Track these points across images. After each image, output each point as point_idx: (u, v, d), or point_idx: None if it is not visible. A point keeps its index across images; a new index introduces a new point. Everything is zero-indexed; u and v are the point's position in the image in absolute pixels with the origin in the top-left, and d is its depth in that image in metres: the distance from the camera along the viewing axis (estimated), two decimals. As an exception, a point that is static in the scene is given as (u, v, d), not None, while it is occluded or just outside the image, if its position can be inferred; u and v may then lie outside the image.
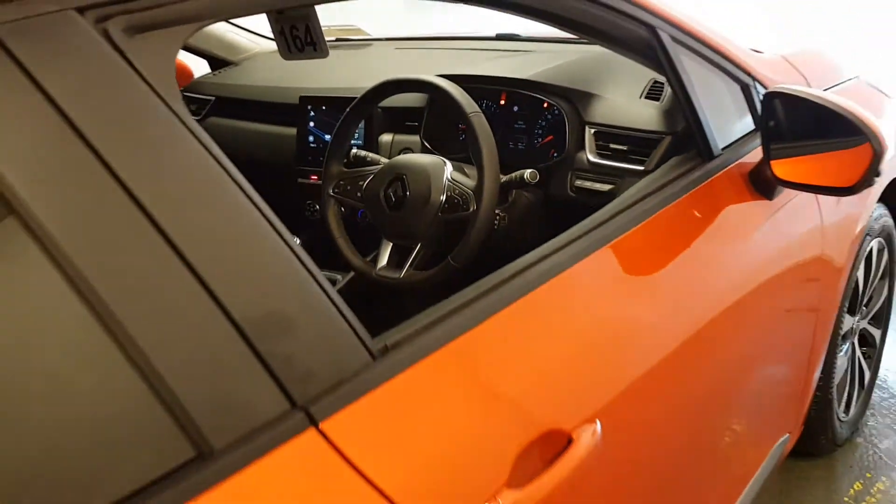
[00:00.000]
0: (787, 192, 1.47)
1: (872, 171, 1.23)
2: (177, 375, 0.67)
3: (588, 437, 0.97)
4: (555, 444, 0.94)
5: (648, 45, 1.32)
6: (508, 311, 0.96)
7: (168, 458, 0.66)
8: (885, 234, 2.07)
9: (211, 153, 0.75)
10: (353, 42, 2.57)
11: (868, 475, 2.11)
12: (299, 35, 1.39)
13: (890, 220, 2.08)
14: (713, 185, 1.35)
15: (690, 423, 1.27)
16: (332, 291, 0.80)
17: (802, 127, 1.33)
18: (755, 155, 1.44)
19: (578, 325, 1.05)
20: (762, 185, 1.42)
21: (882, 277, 2.19)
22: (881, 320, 2.26)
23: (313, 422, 0.75)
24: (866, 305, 2.15)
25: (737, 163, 1.42)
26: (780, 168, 1.34)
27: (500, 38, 2.24)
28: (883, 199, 2.04)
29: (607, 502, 1.06)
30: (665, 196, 1.25)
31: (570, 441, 0.95)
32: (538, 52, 1.97)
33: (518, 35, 2.21)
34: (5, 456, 0.60)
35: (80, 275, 0.63)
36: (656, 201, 1.23)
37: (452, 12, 3.09)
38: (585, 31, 1.32)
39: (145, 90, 0.72)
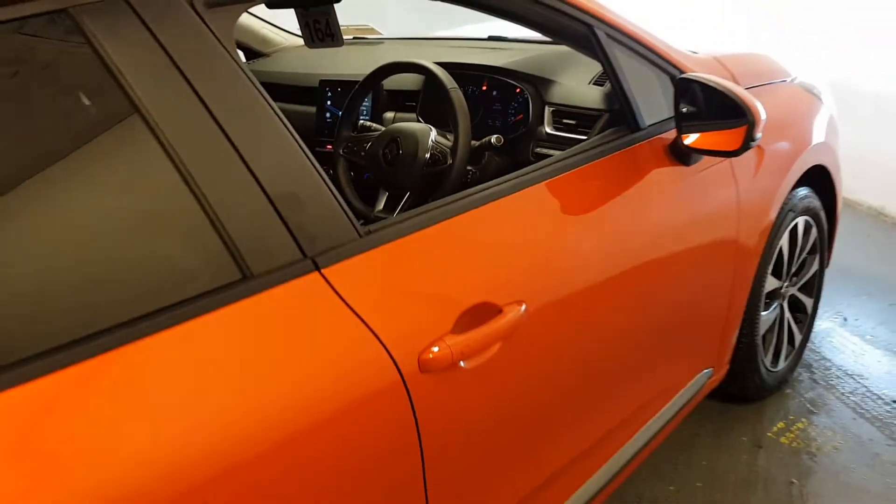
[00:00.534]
0: (703, 162, 1.86)
1: (749, 138, 1.62)
2: (236, 228, 1.07)
3: (514, 312, 1.36)
4: (488, 311, 1.33)
5: (588, 40, 1.72)
6: (458, 219, 1.35)
7: (226, 276, 1.07)
8: (812, 214, 2.44)
9: (259, 91, 1.16)
10: (367, 40, 2.99)
11: (791, 417, 2.48)
12: (321, 28, 1.82)
13: (816, 202, 2.45)
14: (637, 150, 1.74)
15: (613, 336, 1.65)
16: (335, 191, 1.20)
17: (707, 107, 1.71)
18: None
19: (513, 234, 1.44)
20: (679, 153, 1.80)
21: (811, 252, 2.56)
22: (811, 290, 2.63)
23: (317, 268, 1.15)
24: (796, 275, 2.52)
25: (660, 136, 1.81)
26: (689, 139, 1.73)
27: (490, 38, 2.65)
28: (811, 185, 2.42)
29: (526, 370, 1.44)
30: (595, 153, 1.64)
31: (500, 311, 1.34)
32: (517, 50, 2.38)
33: (506, 37, 2.62)
34: (134, 249, 1.01)
35: (178, 157, 1.04)
36: (588, 156, 1.62)
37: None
38: (539, 28, 1.72)
39: (216, 44, 1.13)
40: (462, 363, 1.26)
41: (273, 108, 1.18)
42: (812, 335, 2.79)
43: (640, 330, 1.77)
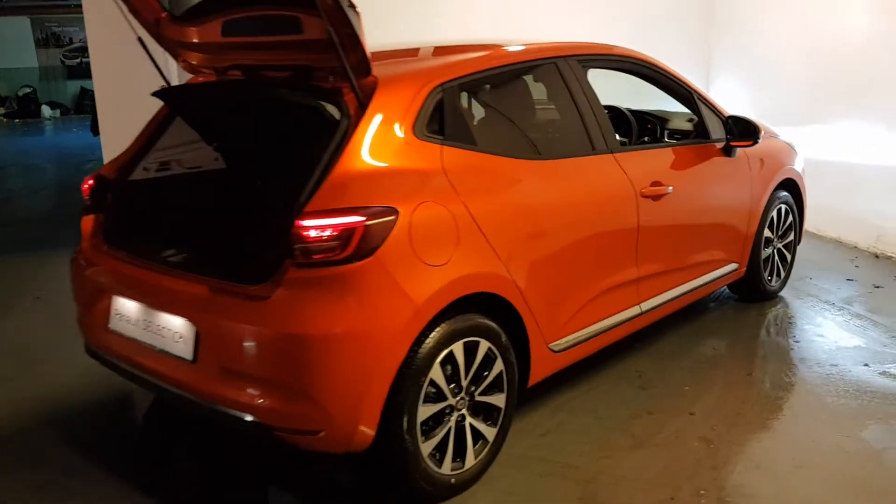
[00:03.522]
0: (736, 157, 4.24)
1: (755, 140, 4.03)
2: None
3: (668, 187, 3.71)
4: (660, 184, 3.67)
5: (689, 100, 4.13)
6: (652, 151, 3.74)
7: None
8: (788, 205, 4.80)
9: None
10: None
11: (777, 306, 4.74)
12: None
13: (790, 199, 4.80)
14: (709, 147, 4.14)
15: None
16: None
17: (743, 131, 4.12)
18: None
19: (665, 159, 3.80)
20: (726, 150, 4.19)
21: (789, 228, 4.89)
22: (791, 250, 4.95)
23: (611, 152, 3.54)
24: (781, 237, 4.84)
25: (717, 143, 4.20)
26: (736, 145, 4.14)
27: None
28: (787, 189, 4.78)
29: (670, 210, 3.76)
30: (692, 143, 4.04)
31: (662, 185, 3.69)
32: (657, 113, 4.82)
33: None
34: None
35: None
36: (690, 143, 4.02)
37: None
38: (668, 92, 4.18)
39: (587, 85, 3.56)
40: (649, 198, 3.59)
41: None
42: (789, 282, 5.07)
43: (708, 221, 4.11)
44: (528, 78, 3.48)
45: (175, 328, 2.76)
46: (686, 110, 4.39)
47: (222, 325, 2.62)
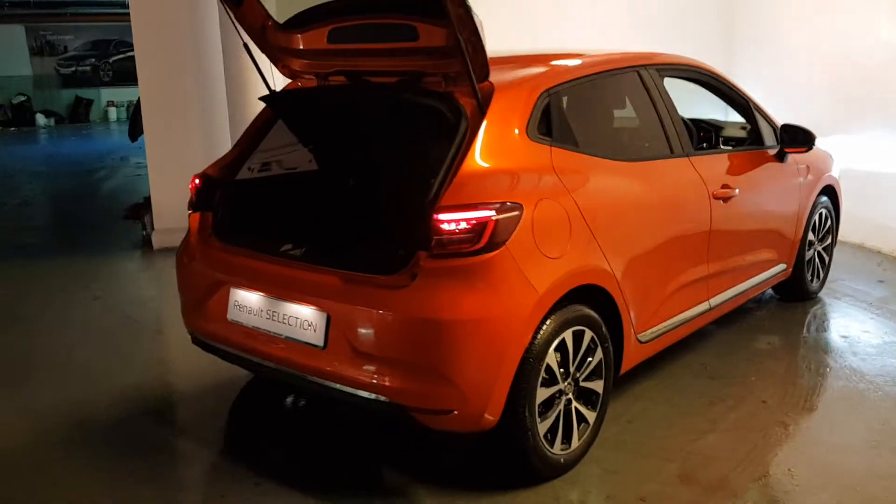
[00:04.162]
0: (788, 163, 4.48)
1: (810, 147, 4.28)
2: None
3: (735, 190, 3.94)
4: (729, 188, 3.90)
5: (746, 110, 4.38)
6: (713, 156, 3.97)
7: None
8: (828, 209, 5.06)
9: None
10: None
11: (818, 305, 4.99)
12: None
13: (829, 203, 5.06)
14: (763, 153, 4.38)
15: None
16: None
17: (797, 139, 4.36)
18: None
19: (726, 164, 4.03)
20: (779, 156, 4.44)
21: (828, 232, 5.14)
22: (829, 252, 5.20)
23: (687, 156, 3.76)
24: (820, 240, 5.09)
25: (770, 149, 4.44)
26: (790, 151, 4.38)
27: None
28: (827, 195, 5.03)
29: (736, 211, 3.99)
30: (748, 149, 4.28)
31: (731, 188, 3.92)
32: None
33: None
34: None
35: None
36: (746, 149, 4.25)
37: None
38: (728, 101, 4.42)
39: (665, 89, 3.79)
40: (720, 200, 3.82)
41: None
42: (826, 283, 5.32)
43: (765, 222, 4.35)
44: (617, 84, 3.69)
45: (304, 316, 2.93)
46: (737, 119, 4.64)
47: (357, 312, 2.79)
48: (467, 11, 2.69)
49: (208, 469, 3.30)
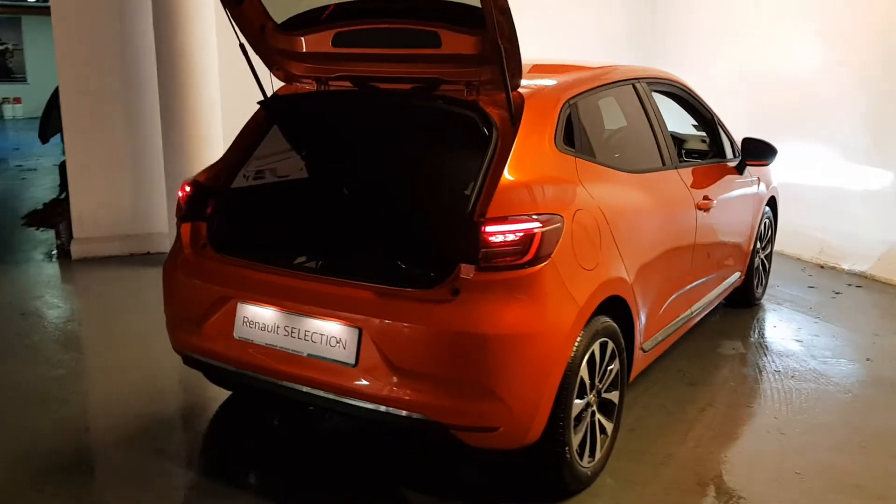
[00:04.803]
0: (746, 173, 4.67)
1: (772, 160, 4.48)
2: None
3: (713, 201, 4.07)
4: (708, 199, 4.03)
5: (711, 126, 4.54)
6: (687, 169, 4.09)
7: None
8: (770, 219, 5.32)
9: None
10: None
11: (764, 311, 5.23)
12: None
13: (771, 213, 5.33)
14: (723, 166, 4.55)
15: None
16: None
17: (759, 152, 4.55)
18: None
19: (693, 178, 4.17)
20: (739, 168, 4.62)
21: (769, 241, 5.41)
22: (770, 259, 5.47)
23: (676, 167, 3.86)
24: (763, 248, 5.35)
25: (731, 161, 4.62)
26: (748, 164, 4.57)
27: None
28: (769, 205, 5.29)
29: (713, 219, 4.13)
30: (711, 163, 4.43)
31: (710, 200, 4.05)
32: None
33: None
34: None
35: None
36: (709, 163, 4.41)
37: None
38: (694, 117, 4.56)
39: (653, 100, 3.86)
40: (702, 210, 3.94)
41: None
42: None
43: (731, 232, 4.52)
44: (621, 96, 3.72)
45: (330, 332, 2.78)
46: (695, 133, 4.82)
47: (395, 327, 2.67)
48: (508, 19, 2.64)
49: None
